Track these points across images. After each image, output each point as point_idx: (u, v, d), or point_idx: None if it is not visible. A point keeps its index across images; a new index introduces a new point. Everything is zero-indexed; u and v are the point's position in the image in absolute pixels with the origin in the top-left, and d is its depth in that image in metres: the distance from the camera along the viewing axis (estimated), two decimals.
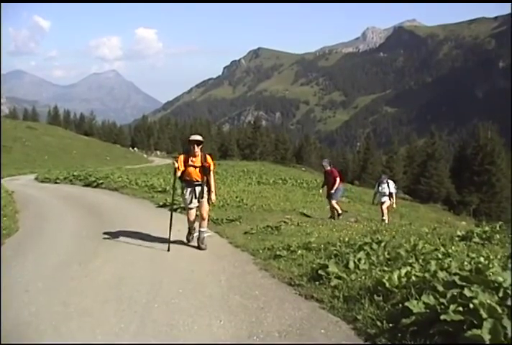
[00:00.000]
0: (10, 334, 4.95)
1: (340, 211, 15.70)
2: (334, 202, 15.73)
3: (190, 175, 9.07)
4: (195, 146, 8.96)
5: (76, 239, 10.41)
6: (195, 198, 9.13)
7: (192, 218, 9.40)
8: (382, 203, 17.04)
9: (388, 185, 17.02)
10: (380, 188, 17.20)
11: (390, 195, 17.00)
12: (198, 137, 9.09)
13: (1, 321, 5.10)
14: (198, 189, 9.11)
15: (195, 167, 9.02)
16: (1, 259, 8.20)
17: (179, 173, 9.05)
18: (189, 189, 9.17)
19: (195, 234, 9.39)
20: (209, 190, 9.17)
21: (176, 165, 8.91)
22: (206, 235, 9.31)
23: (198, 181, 9.09)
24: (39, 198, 19.79)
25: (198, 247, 9.11)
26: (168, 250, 8.74)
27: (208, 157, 9.17)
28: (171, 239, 9.10)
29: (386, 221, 16.03)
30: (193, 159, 9.04)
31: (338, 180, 15.90)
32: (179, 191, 9.59)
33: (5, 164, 48.36)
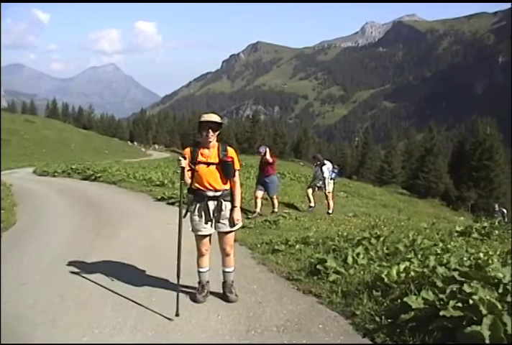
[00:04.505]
0: (6, 327, 4.93)
1: (276, 209, 13.48)
2: (274, 196, 13.50)
3: (201, 179, 5.60)
4: (210, 131, 5.51)
5: (73, 233, 10.41)
6: (210, 220, 5.66)
7: (204, 250, 5.82)
8: (318, 188, 14.90)
9: (322, 168, 14.73)
10: (315, 172, 15.22)
11: (325, 180, 14.69)
12: (215, 117, 5.61)
13: (1, 321, 5.07)
14: (212, 204, 5.65)
15: (209, 164, 5.58)
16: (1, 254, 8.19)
17: (188, 178, 5.69)
18: (199, 204, 5.67)
19: (206, 290, 5.92)
20: (233, 206, 5.73)
21: (183, 163, 5.54)
22: (232, 278, 5.95)
23: (214, 189, 5.62)
24: (37, 191, 19.77)
25: (225, 298, 5.79)
26: (177, 314, 5.21)
27: (229, 149, 5.73)
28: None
29: (330, 211, 14.61)
30: (206, 152, 5.64)
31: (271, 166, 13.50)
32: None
33: (3, 158, 48.29)
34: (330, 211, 14.65)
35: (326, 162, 14.94)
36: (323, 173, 14.68)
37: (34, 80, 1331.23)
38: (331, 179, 14.88)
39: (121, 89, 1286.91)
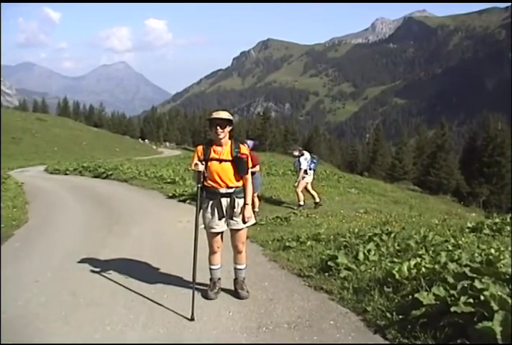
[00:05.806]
0: (18, 326, 4.97)
1: (257, 209, 12.44)
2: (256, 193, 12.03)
3: (214, 176, 5.56)
4: (218, 128, 5.47)
5: (85, 230, 10.46)
6: (222, 216, 5.63)
7: (216, 248, 5.80)
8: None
9: (299, 159, 14.24)
10: (294, 163, 14.93)
11: (305, 172, 14.15)
12: (225, 114, 5.51)
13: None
14: (225, 201, 5.64)
15: (222, 161, 5.56)
16: (4, 251, 8.28)
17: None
18: (212, 202, 5.65)
19: (218, 286, 5.90)
20: (245, 203, 5.70)
21: (200, 168, 5.52)
22: (244, 275, 5.97)
23: (227, 186, 5.59)
24: (49, 189, 19.86)
25: (237, 294, 5.80)
26: (192, 319, 5.03)
27: (242, 146, 5.71)
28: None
29: (301, 203, 14.15)
30: (218, 149, 5.61)
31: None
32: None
33: (15, 156, 48.60)
34: (301, 203, 14.23)
35: (303, 152, 14.51)
36: (300, 164, 14.23)
37: (45, 78, 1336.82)
38: (310, 169, 14.43)
39: (131, 87, 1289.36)
